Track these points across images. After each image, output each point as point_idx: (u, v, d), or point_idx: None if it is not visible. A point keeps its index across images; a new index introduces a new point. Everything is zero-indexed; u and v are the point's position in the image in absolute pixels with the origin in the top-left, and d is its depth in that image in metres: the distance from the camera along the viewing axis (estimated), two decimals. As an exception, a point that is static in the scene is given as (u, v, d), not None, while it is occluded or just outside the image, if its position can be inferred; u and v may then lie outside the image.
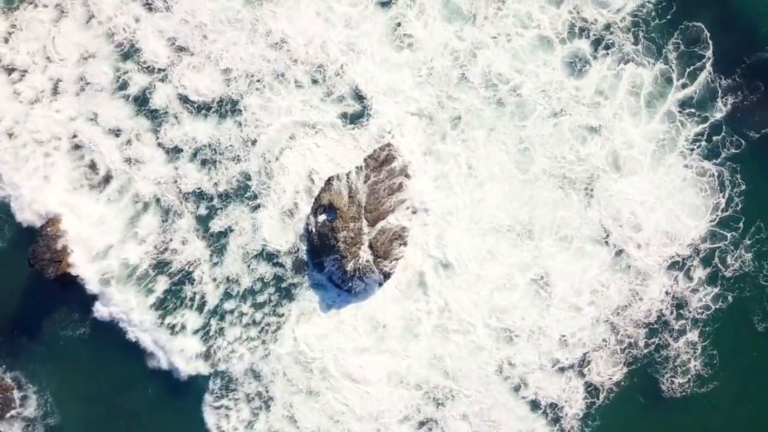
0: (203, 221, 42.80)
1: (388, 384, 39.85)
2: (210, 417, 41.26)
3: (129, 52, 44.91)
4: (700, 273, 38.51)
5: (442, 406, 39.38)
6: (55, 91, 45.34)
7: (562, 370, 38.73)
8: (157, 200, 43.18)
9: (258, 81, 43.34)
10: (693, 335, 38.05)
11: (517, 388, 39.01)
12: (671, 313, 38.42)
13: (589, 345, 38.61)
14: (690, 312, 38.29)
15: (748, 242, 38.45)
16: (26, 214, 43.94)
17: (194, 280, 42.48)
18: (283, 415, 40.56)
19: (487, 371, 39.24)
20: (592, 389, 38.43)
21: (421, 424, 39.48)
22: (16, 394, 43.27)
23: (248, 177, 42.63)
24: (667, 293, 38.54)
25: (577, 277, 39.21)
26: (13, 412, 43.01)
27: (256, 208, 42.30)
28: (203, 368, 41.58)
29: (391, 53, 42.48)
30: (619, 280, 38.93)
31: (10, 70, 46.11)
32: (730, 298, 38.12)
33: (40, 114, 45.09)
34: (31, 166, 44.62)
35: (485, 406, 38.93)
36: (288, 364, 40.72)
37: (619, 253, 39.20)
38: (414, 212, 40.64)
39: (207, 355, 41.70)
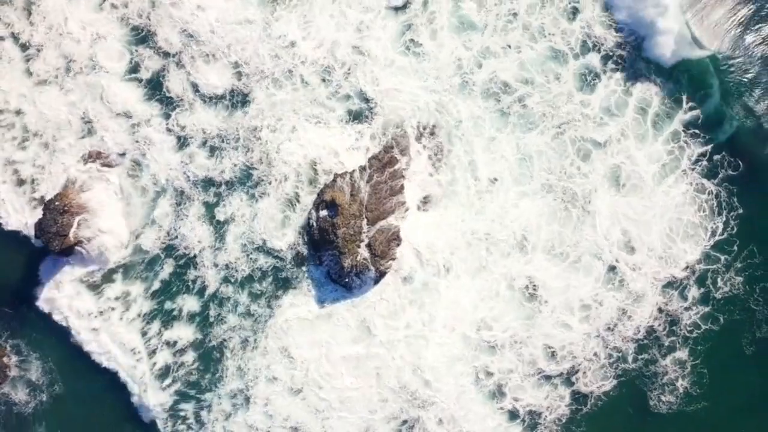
0: (209, 208, 42.93)
1: (373, 384, 39.98)
2: (189, 408, 41.83)
3: (144, 37, 44.94)
4: (694, 292, 38.49)
5: (424, 408, 39.50)
6: (69, 70, 45.47)
7: (548, 378, 38.84)
8: (169, 186, 43.42)
9: (267, 77, 43.29)
10: (683, 353, 38.11)
11: (496, 397, 39.07)
12: (664, 329, 38.41)
13: (579, 358, 38.66)
14: (681, 330, 38.30)
15: (740, 265, 38.36)
16: (33, 188, 44.60)
17: (197, 265, 42.60)
18: (264, 410, 40.78)
19: (468, 378, 39.37)
20: (579, 396, 38.57)
21: (404, 422, 39.70)
22: (13, 360, 43.82)
23: (252, 167, 42.73)
24: (660, 310, 38.55)
25: (570, 292, 39.20)
26: (14, 375, 43.59)
27: (259, 197, 42.42)
28: (192, 358, 42.01)
29: (400, 58, 42.46)
30: (611, 297, 38.90)
31: (25, 47, 46.20)
32: (721, 320, 38.09)
33: (52, 92, 45.30)
34: (38, 142, 45.00)
35: (462, 412, 39.09)
36: (275, 358, 40.94)
37: (614, 270, 39.15)
38: (413, 215, 40.64)
39: (199, 344, 42.10)
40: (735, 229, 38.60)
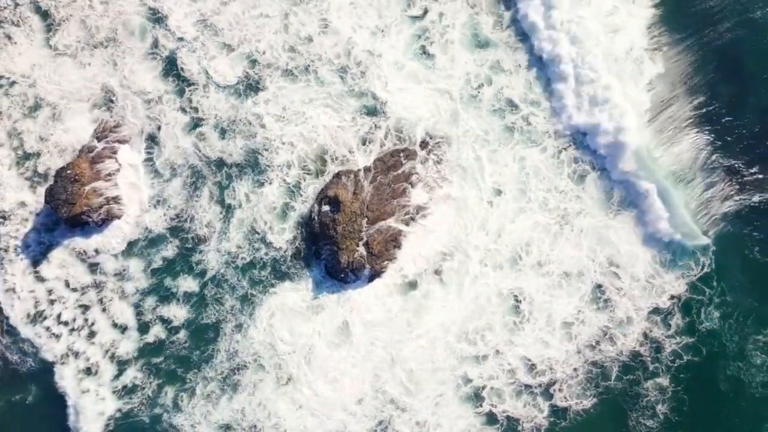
0: (221, 190, 43.33)
1: (353, 382, 39.94)
2: (170, 392, 41.65)
3: (160, 18, 45.92)
4: (678, 321, 38.42)
5: (401, 410, 39.38)
6: (89, 42, 46.25)
7: (528, 387, 38.76)
8: (183, 164, 43.88)
9: (279, 68, 44.10)
10: (664, 380, 37.88)
11: (473, 400, 39.05)
12: (648, 354, 38.24)
13: (558, 372, 38.64)
14: (664, 357, 38.15)
15: (717, 300, 38.32)
16: (36, 164, 45.51)
17: (201, 248, 42.87)
18: (249, 401, 40.67)
19: (449, 385, 39.39)
20: (558, 410, 38.36)
21: (379, 422, 39.48)
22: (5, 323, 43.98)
23: (258, 152, 43.27)
24: (645, 336, 38.47)
25: (554, 308, 39.36)
26: (6, 341, 43.60)
27: (264, 183, 42.97)
28: (184, 339, 42.18)
29: (412, 64, 43.25)
30: (594, 318, 38.96)
31: (45, 15, 47.08)
32: (704, 351, 37.88)
33: (70, 64, 46.18)
34: (50, 113, 45.76)
35: (438, 416, 39.08)
36: (263, 347, 40.95)
37: (600, 290, 39.33)
38: (412, 219, 41.09)
39: (191, 324, 42.24)
40: (713, 266, 38.71)
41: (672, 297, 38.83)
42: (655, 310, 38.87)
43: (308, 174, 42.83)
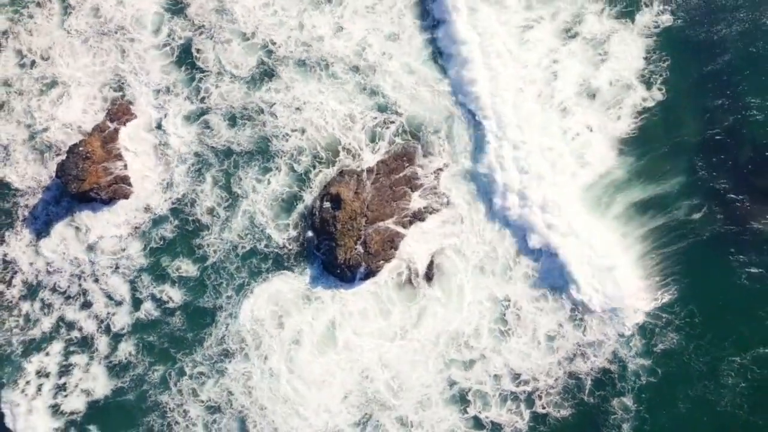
0: (227, 178, 44.10)
1: (339, 379, 40.45)
2: (158, 370, 42.51)
3: (180, 8, 46.95)
4: (637, 343, 38.33)
5: (386, 408, 39.90)
6: (102, 28, 47.47)
7: (512, 392, 39.18)
8: (190, 150, 44.72)
9: (292, 60, 44.86)
10: (628, 399, 37.88)
11: (458, 403, 39.40)
12: (616, 372, 38.34)
13: (540, 381, 39.01)
14: (629, 376, 38.15)
15: (678, 323, 38.08)
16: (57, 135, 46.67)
17: (203, 233, 43.57)
18: (234, 385, 41.45)
19: (435, 388, 39.79)
20: (538, 416, 38.73)
21: (365, 415, 40.06)
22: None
23: (269, 141, 43.93)
24: (614, 354, 38.47)
25: (538, 320, 39.69)
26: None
27: (270, 170, 43.68)
28: (179, 322, 42.96)
29: (422, 69, 43.87)
30: (570, 335, 39.09)
31: None
32: (659, 372, 37.77)
33: (84, 48, 47.41)
34: (59, 92, 46.98)
35: (422, 417, 39.52)
36: (250, 336, 41.61)
37: (577, 309, 39.50)
38: (410, 222, 41.58)
39: (187, 306, 43.02)
40: (677, 294, 38.63)
41: (636, 324, 38.89)
42: (622, 334, 38.93)
43: (319, 162, 43.30)
